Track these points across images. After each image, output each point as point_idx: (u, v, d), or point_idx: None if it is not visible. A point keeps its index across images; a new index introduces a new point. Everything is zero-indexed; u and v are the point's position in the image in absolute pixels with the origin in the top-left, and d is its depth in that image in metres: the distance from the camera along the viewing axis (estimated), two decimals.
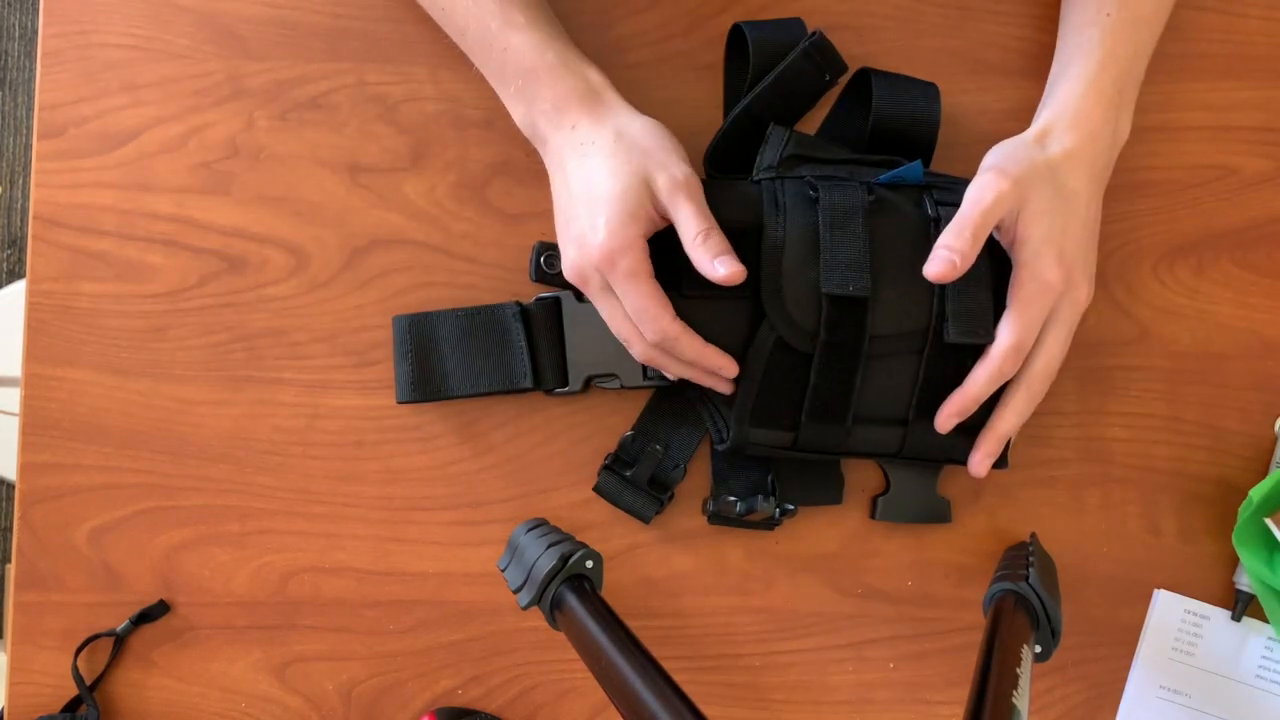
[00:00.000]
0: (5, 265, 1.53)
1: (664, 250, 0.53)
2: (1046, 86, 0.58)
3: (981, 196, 0.51)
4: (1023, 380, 0.54)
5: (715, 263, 0.50)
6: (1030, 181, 0.51)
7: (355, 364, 0.60)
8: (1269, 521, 0.56)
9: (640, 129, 0.53)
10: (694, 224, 0.51)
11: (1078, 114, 0.54)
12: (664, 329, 0.51)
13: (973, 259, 0.50)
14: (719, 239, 0.51)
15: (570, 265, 0.52)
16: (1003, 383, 0.53)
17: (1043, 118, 0.55)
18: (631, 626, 0.49)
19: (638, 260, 0.51)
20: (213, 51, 0.61)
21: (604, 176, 0.51)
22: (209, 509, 0.60)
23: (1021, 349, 0.52)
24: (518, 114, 0.56)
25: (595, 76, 0.54)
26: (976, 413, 0.55)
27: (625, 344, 0.54)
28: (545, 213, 0.60)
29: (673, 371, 0.55)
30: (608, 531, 0.60)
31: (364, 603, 0.60)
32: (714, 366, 0.53)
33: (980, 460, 0.55)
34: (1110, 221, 0.60)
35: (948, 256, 0.49)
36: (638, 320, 0.52)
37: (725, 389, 0.55)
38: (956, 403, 0.53)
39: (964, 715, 0.42)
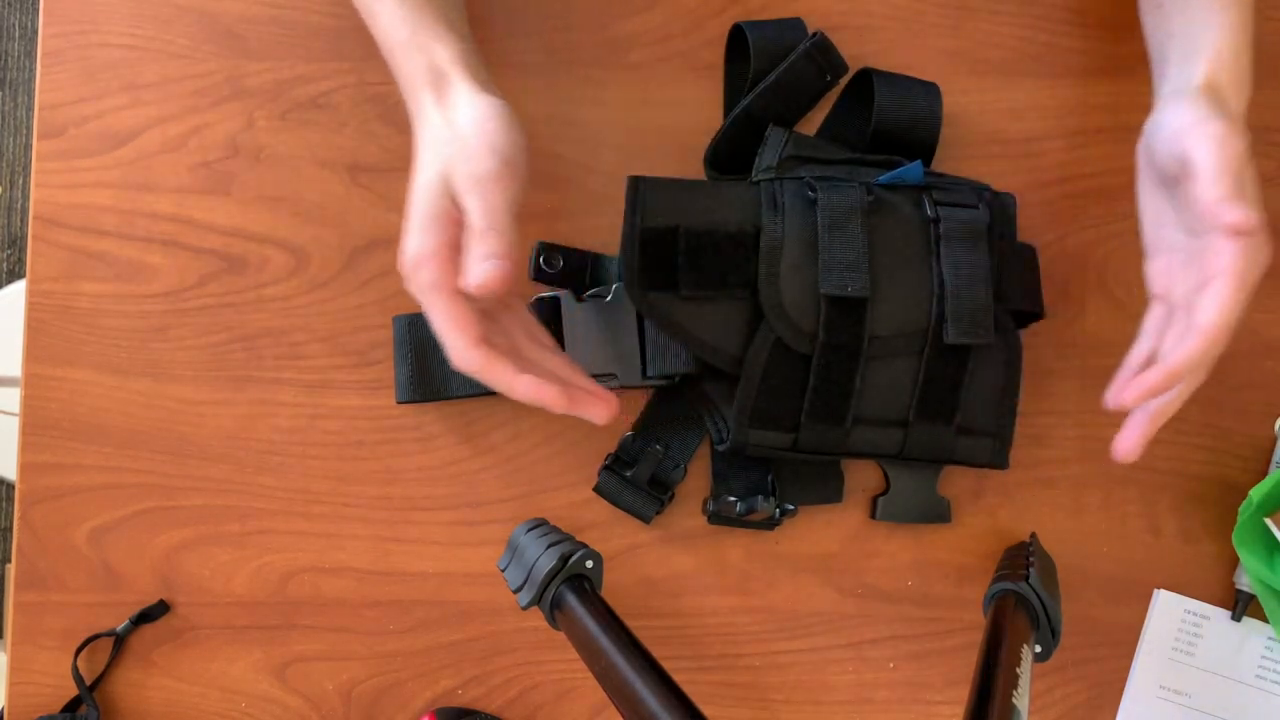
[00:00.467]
0: (5, 265, 1.53)
1: (661, 250, 0.53)
2: (1170, 40, 0.53)
3: (1231, 153, 0.46)
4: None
5: (480, 265, 0.44)
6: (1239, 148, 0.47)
7: (355, 364, 0.60)
8: (1269, 521, 0.56)
9: (469, 117, 0.48)
10: (476, 219, 0.45)
11: (1236, 69, 0.50)
12: (462, 357, 0.46)
13: None
14: (496, 239, 0.45)
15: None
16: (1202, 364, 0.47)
17: (1201, 70, 0.50)
18: (631, 626, 0.49)
19: (436, 273, 0.45)
20: (213, 51, 0.61)
21: (420, 174, 0.48)
22: (209, 509, 0.60)
23: (1233, 327, 0.46)
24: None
25: (444, 53, 0.49)
26: (977, 410, 0.55)
27: None
28: (545, 213, 0.60)
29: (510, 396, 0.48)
30: (608, 531, 0.60)
31: (364, 603, 0.60)
32: (527, 397, 0.47)
33: (1142, 446, 0.50)
34: (1110, 221, 0.60)
35: (1243, 209, 0.44)
36: (440, 340, 0.46)
37: (600, 416, 0.49)
38: (1159, 381, 0.47)
39: (964, 715, 0.42)
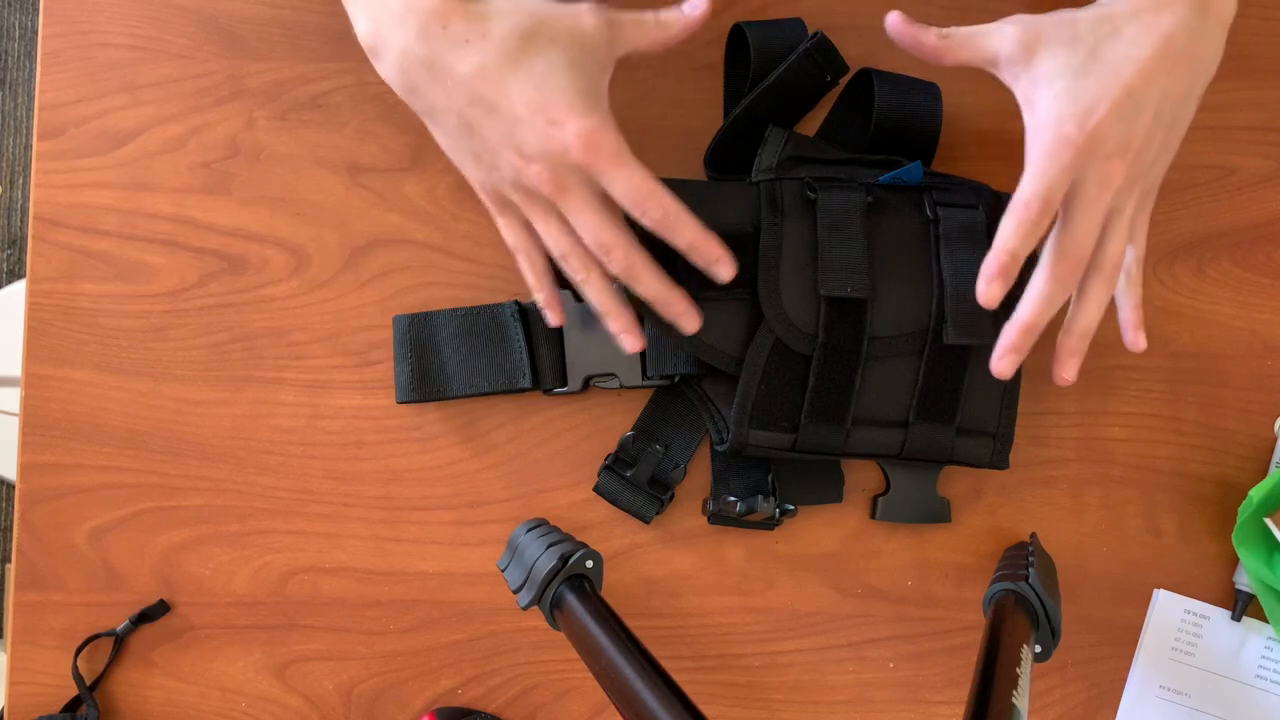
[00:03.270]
0: (5, 265, 1.53)
1: (660, 254, 0.53)
2: None
3: (987, 33, 0.47)
4: (1094, 270, 0.49)
5: (688, 6, 0.48)
6: (1047, 35, 0.46)
7: (355, 364, 0.60)
8: (1269, 521, 0.56)
9: (519, 0, 0.46)
10: (644, 15, 0.48)
11: None
12: (666, 204, 0.47)
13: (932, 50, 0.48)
14: (664, 11, 0.48)
15: (537, 179, 0.46)
16: (1037, 238, 0.46)
17: None
18: (631, 626, 0.49)
19: (619, 138, 0.46)
20: (213, 51, 0.61)
21: (528, 61, 0.45)
22: (209, 509, 0.60)
23: (1046, 200, 0.45)
24: (360, 28, 0.49)
25: None
26: (977, 411, 0.55)
27: (603, 255, 0.49)
28: None
29: (648, 289, 0.50)
30: (608, 531, 0.60)
31: (364, 603, 0.60)
32: (715, 255, 0.49)
33: (1067, 364, 0.51)
34: None
35: (917, 31, 0.48)
36: (636, 204, 0.47)
37: (690, 324, 0.51)
38: (991, 264, 0.47)
39: (964, 715, 0.42)
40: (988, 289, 0.47)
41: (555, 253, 0.50)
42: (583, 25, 0.47)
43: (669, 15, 0.49)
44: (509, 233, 0.52)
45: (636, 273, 0.49)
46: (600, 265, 0.50)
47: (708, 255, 0.49)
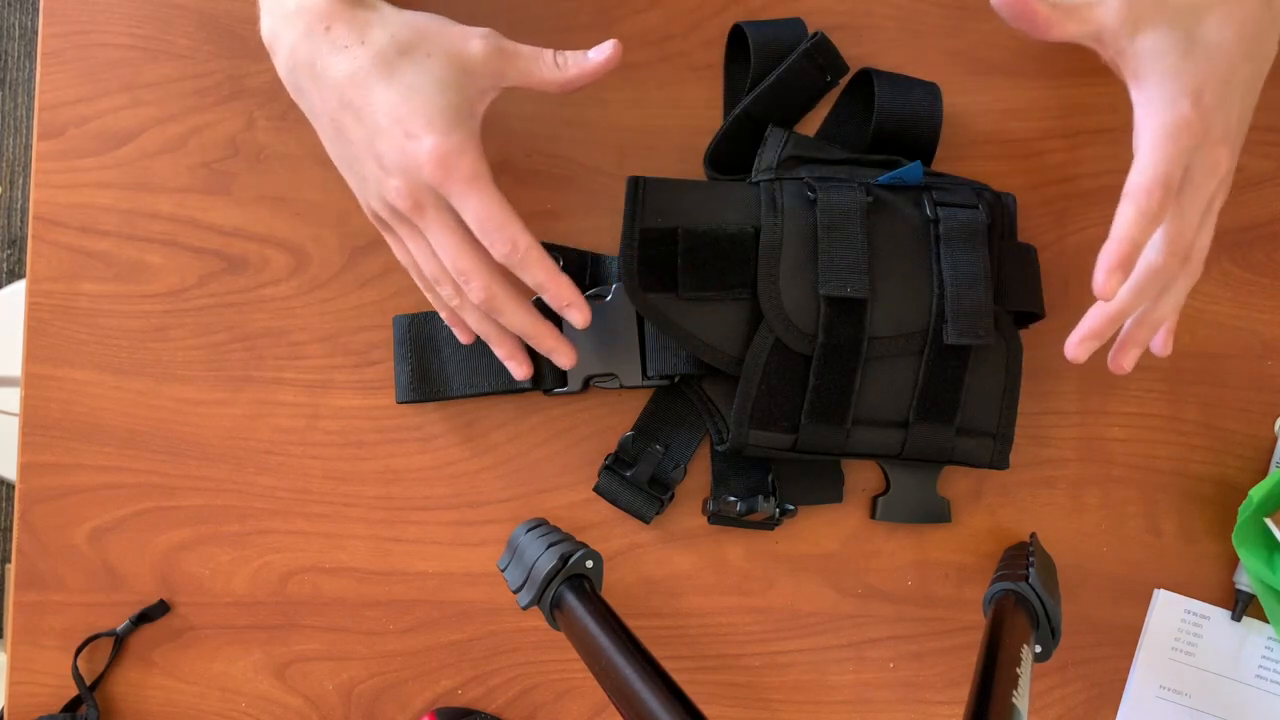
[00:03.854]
0: (5, 265, 1.53)
1: (661, 251, 0.53)
2: None
3: (1091, 4, 0.46)
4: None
5: (594, 51, 0.48)
6: (1147, 12, 0.45)
7: (355, 364, 0.60)
8: (1269, 521, 0.56)
9: (410, 14, 0.46)
10: (544, 52, 0.47)
11: None
12: (517, 238, 0.45)
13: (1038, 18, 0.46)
14: (570, 52, 0.48)
15: (396, 194, 0.45)
16: (1158, 225, 0.45)
17: None
18: (631, 626, 0.49)
19: (477, 161, 0.45)
20: (213, 51, 0.61)
21: (399, 73, 0.45)
22: (209, 509, 0.60)
23: (1168, 185, 0.44)
24: (263, 26, 0.48)
25: None
26: (977, 411, 0.55)
27: (462, 283, 0.47)
28: (546, 213, 0.60)
29: (513, 323, 0.49)
30: (608, 531, 0.60)
31: (364, 603, 0.60)
32: (566, 299, 0.48)
33: (1130, 354, 0.50)
34: (1110, 222, 0.60)
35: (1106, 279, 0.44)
36: (485, 233, 0.46)
37: (565, 360, 0.51)
38: (1113, 255, 0.44)
39: (964, 715, 0.42)
40: (1108, 280, 0.44)
41: (427, 275, 0.49)
42: (468, 47, 0.46)
43: (570, 58, 0.48)
44: (395, 249, 0.51)
45: (497, 304, 0.48)
46: None
47: (559, 298, 0.48)
